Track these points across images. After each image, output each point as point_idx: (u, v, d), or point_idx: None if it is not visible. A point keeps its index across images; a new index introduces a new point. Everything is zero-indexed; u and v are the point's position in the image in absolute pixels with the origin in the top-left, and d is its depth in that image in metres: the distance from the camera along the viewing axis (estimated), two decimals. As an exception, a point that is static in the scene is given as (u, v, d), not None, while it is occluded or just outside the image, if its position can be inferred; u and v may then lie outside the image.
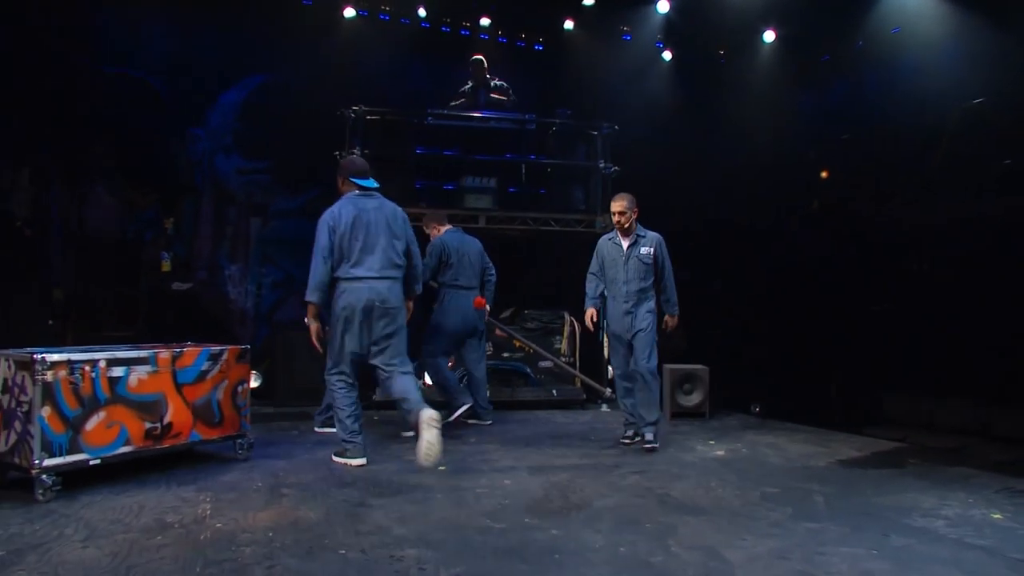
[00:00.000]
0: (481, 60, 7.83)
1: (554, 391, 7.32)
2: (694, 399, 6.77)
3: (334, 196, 7.90)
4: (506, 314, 7.60)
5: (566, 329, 7.57)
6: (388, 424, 6.27)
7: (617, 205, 5.42)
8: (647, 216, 8.22)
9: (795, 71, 8.04)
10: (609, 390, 7.33)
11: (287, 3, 8.02)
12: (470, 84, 7.95)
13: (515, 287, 8.02)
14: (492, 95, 7.82)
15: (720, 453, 5.34)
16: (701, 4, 7.80)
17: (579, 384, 7.48)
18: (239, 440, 4.89)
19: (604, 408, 7.30)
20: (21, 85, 6.89)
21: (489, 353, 7.45)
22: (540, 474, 4.64)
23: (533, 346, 7.32)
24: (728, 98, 8.27)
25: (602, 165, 7.42)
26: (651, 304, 5.45)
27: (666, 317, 5.62)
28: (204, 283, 7.88)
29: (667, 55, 8.76)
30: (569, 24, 8.31)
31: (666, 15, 8.06)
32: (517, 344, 7.42)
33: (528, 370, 7.44)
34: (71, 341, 7.46)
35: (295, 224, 8.16)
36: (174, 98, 7.78)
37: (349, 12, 7.95)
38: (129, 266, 7.78)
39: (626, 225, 5.40)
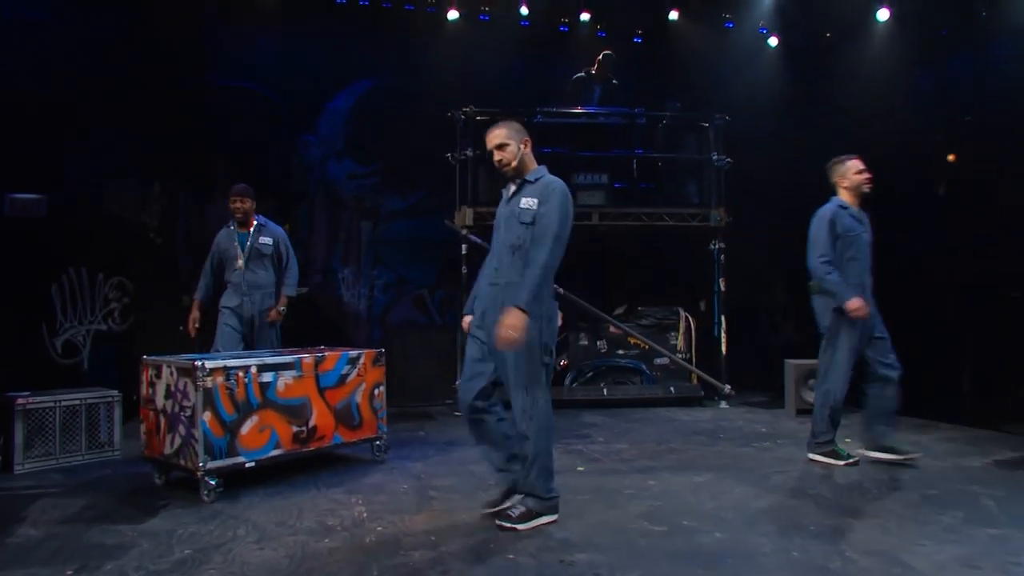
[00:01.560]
0: (611, 56, 7.70)
1: (672, 388, 7.20)
2: (821, 395, 6.52)
3: (442, 196, 8.09)
4: (619, 311, 7.52)
5: (681, 325, 7.44)
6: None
7: (493, 135, 3.71)
8: (761, 205, 8.08)
9: (915, 48, 7.65)
10: (728, 387, 7.19)
11: (391, 9, 8.11)
12: (585, 74, 7.81)
13: (628, 283, 7.96)
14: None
15: (861, 451, 5.13)
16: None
17: (696, 381, 7.34)
18: (376, 442, 4.98)
19: (724, 405, 7.14)
20: (149, 101, 7.18)
21: (603, 351, 7.42)
22: (682, 474, 4.56)
23: (649, 342, 7.22)
24: (841, 82, 7.93)
25: (715, 157, 7.25)
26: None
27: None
28: (319, 287, 8.06)
29: (773, 41, 8.48)
30: (674, 15, 8.12)
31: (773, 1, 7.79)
32: (632, 341, 7.33)
33: (644, 367, 7.34)
34: (197, 347, 7.79)
35: (405, 225, 8.29)
36: (286, 107, 7.98)
37: (453, 15, 7.97)
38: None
39: (511, 163, 3.65)
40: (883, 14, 7.75)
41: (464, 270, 6.98)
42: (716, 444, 5.48)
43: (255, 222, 5.80)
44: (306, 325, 7.52)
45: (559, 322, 3.70)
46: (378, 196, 8.27)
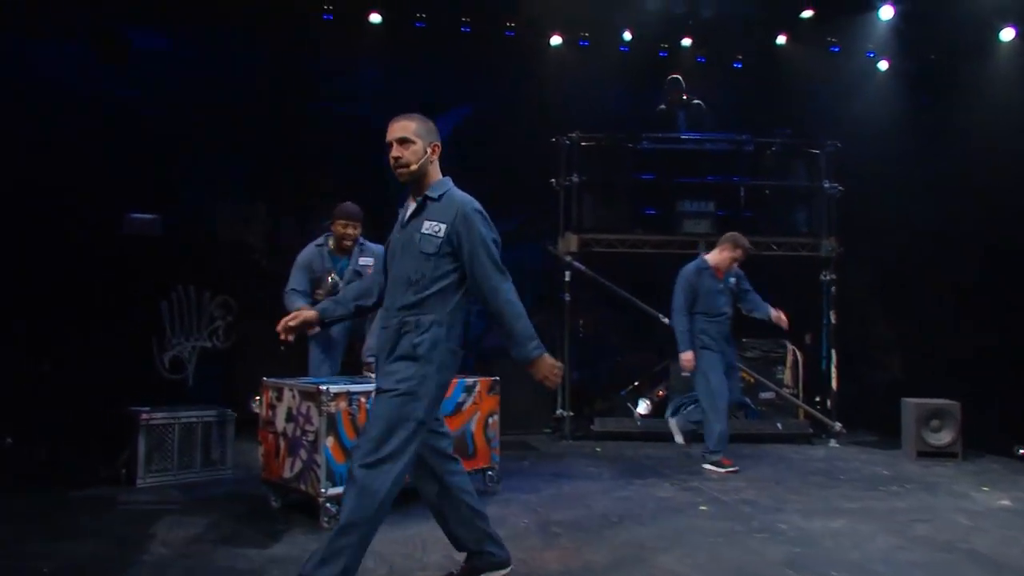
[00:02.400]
0: (678, 79, 7.61)
1: (778, 424, 6.92)
2: (943, 438, 6.16)
3: (539, 223, 8.04)
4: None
5: (789, 359, 7.17)
6: (618, 460, 6.12)
7: (397, 126, 3.02)
8: (866, 235, 7.78)
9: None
10: (839, 424, 6.88)
11: (491, 35, 8.14)
12: (664, 106, 7.74)
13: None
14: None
15: (1006, 503, 4.78)
16: (929, 8, 7.23)
17: (803, 417, 7.05)
18: (489, 472, 4.88)
19: (834, 444, 6.82)
20: (256, 125, 7.37)
21: (705, 383, 7.19)
22: (813, 518, 4.32)
23: (755, 375, 6.97)
24: (960, 105, 7.59)
25: (827, 185, 7.00)
26: (420, 341, 2.89)
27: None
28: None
29: (883, 65, 8.19)
30: (782, 39, 7.93)
31: (887, 22, 7.52)
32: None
33: (749, 401, 7.09)
34: (294, 369, 7.88)
35: (502, 252, 8.22)
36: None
37: (556, 40, 7.97)
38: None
39: (411, 167, 2.97)
40: (1007, 33, 7.41)
41: (567, 297, 6.89)
42: (838, 486, 5.20)
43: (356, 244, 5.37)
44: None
45: (452, 376, 3.13)
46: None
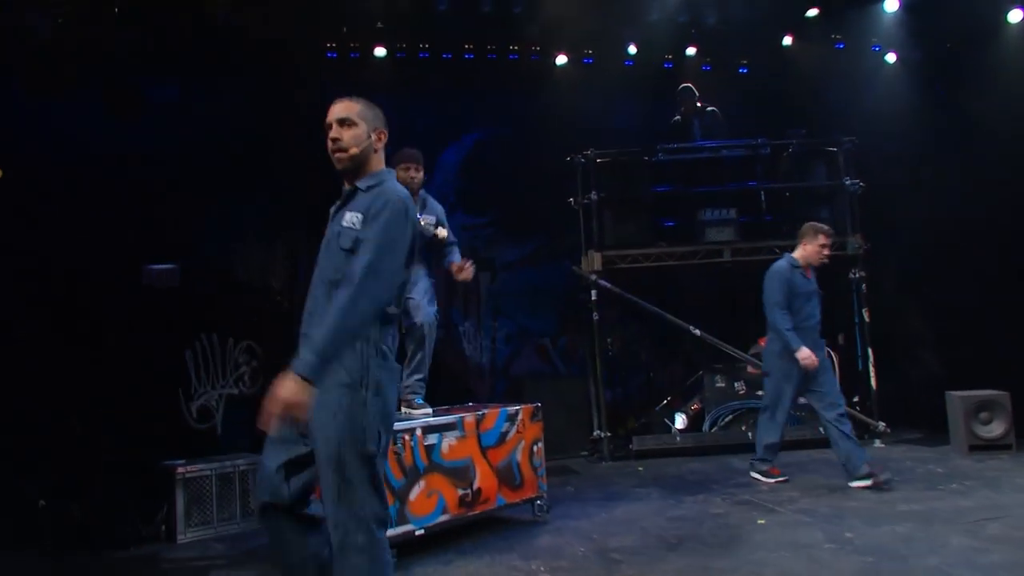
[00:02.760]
0: (690, 88, 7.57)
1: (820, 428, 6.74)
2: (995, 429, 6.01)
3: (557, 243, 7.99)
4: (755, 350, 7.14)
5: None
6: (662, 478, 6.00)
7: (339, 107, 2.76)
8: (893, 228, 7.67)
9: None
10: (882, 424, 6.73)
11: (495, 61, 8.13)
12: (679, 116, 7.70)
13: (760, 321, 7.60)
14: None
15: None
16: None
17: (845, 419, 6.89)
18: (537, 501, 4.77)
19: (879, 444, 6.68)
20: (267, 167, 7.34)
21: (741, 392, 7.09)
22: (877, 524, 4.18)
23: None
24: (973, 91, 7.52)
25: (848, 182, 6.91)
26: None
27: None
28: (441, 341, 7.97)
29: (890, 57, 8.13)
30: (788, 40, 7.88)
31: (892, 14, 7.47)
32: (772, 380, 6.95)
33: (787, 408, 6.93)
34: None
35: (523, 274, 8.17)
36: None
37: (561, 59, 7.95)
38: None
39: (350, 151, 2.69)
40: (1015, 15, 7.34)
41: (595, 317, 6.79)
42: (896, 488, 5.04)
43: (419, 196, 4.81)
44: (430, 382, 7.46)
45: (395, 399, 2.67)
46: (493, 247, 8.18)
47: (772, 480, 5.44)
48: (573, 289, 7.80)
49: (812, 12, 7.37)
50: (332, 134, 2.69)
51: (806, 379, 5.39)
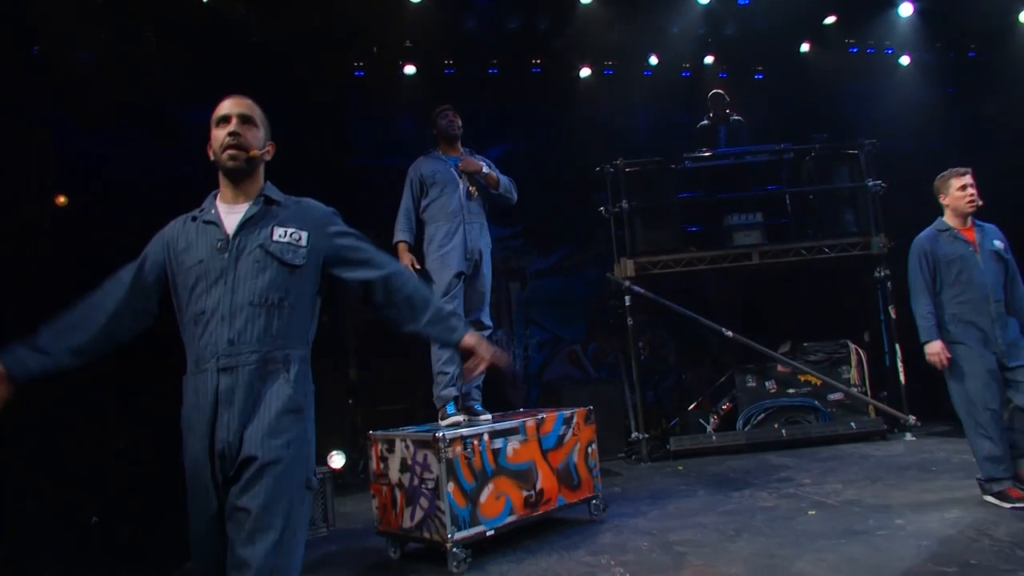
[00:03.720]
0: (722, 94, 7.79)
1: (852, 423, 6.96)
2: (1024, 418, 6.20)
3: (585, 252, 8.21)
4: (784, 348, 7.36)
5: (853, 358, 7.22)
6: (704, 475, 6.17)
7: (238, 103, 2.52)
8: (912, 227, 7.83)
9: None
10: (912, 417, 6.92)
11: (520, 76, 8.36)
12: (707, 120, 7.90)
13: (788, 320, 7.80)
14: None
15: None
16: (946, 2, 7.43)
17: (874, 414, 7.09)
18: (593, 501, 4.95)
19: (910, 437, 6.86)
20: (297, 185, 7.53)
21: (772, 391, 7.27)
22: (925, 511, 4.36)
23: (823, 378, 7.04)
24: (988, 90, 7.76)
25: (870, 183, 7.12)
26: (296, 384, 2.34)
27: None
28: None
29: (904, 60, 8.37)
30: (805, 47, 8.12)
31: (906, 19, 7.71)
32: (803, 378, 7.16)
33: (818, 404, 7.14)
34: (360, 418, 8.00)
35: (552, 283, 8.39)
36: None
37: (585, 72, 8.19)
38: (404, 341, 8.23)
39: (250, 152, 2.49)
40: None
41: (630, 322, 6.98)
42: (936, 478, 5.23)
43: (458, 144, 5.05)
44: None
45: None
46: (523, 257, 8.41)
47: (1008, 505, 4.25)
48: (601, 296, 8.02)
49: (830, 19, 7.60)
50: (232, 127, 2.42)
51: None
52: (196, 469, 2.26)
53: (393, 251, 4.83)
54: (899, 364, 7.08)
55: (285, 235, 2.38)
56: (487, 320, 5.05)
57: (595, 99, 8.38)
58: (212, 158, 2.49)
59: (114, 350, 2.46)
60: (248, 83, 7.30)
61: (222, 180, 2.49)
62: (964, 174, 4.55)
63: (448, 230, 4.83)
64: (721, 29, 7.83)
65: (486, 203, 5.07)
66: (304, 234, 2.41)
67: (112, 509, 5.72)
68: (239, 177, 2.45)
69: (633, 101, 8.55)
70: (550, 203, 8.05)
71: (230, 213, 2.42)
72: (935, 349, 4.44)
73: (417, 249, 4.93)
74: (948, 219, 4.61)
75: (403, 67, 7.89)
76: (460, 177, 4.93)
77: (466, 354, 2.59)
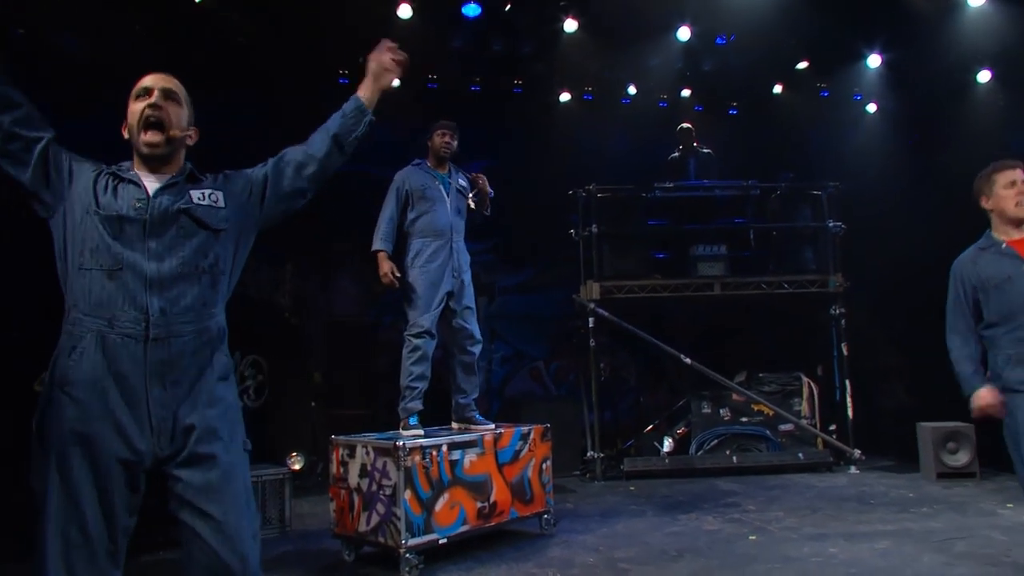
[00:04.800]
0: (690, 128, 8.04)
1: (800, 454, 7.20)
2: (961, 459, 6.49)
3: (553, 272, 8.40)
4: (740, 378, 7.60)
5: (805, 391, 7.48)
6: (655, 497, 6.36)
7: (161, 78, 2.40)
8: (865, 268, 8.16)
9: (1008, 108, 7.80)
10: (858, 451, 7.18)
11: (500, 96, 8.53)
12: (678, 153, 8.15)
13: (745, 351, 8.04)
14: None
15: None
16: (912, 55, 7.76)
17: (822, 446, 7.35)
18: (544, 516, 5.11)
19: (853, 470, 7.11)
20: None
21: (727, 418, 7.49)
22: (857, 541, 4.60)
23: (776, 408, 7.28)
24: (944, 143, 8.11)
25: (831, 224, 7.41)
26: (227, 358, 2.35)
27: None
28: (439, 361, 8.30)
29: (871, 107, 8.71)
30: (778, 88, 8.43)
31: (874, 69, 8.03)
32: (756, 407, 7.39)
33: (769, 433, 7.38)
34: (324, 422, 8.07)
35: (519, 299, 8.56)
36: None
37: (565, 96, 8.40)
38: (369, 348, 8.35)
39: (172, 131, 2.36)
40: (984, 75, 7.94)
41: (592, 343, 7.17)
42: (872, 510, 5.48)
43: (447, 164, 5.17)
44: (427, 399, 7.80)
45: None
46: (493, 272, 8.57)
47: None
48: (567, 315, 8.20)
49: (802, 64, 7.91)
50: (155, 100, 2.28)
51: None
52: (99, 440, 2.07)
53: (372, 259, 4.94)
54: (848, 399, 7.35)
55: (204, 198, 2.29)
56: (477, 334, 5.20)
57: (573, 124, 8.58)
58: (127, 136, 2.33)
59: None
60: (231, 82, 7.48)
61: (137, 161, 2.32)
62: (1014, 167, 3.37)
63: (436, 247, 4.92)
64: (699, 65, 8.08)
65: (466, 221, 5.20)
66: (220, 194, 2.34)
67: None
68: (158, 162, 2.30)
69: (609, 128, 8.77)
70: (523, 222, 8.21)
71: (148, 180, 2.28)
72: (984, 401, 3.23)
73: (396, 260, 4.99)
74: (995, 231, 3.41)
75: (387, 79, 8.01)
76: (449, 195, 5.04)
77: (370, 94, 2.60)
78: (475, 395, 5.22)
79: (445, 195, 5.04)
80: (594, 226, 7.23)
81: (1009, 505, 5.46)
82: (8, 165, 2.17)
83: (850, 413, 7.33)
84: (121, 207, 2.19)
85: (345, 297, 8.38)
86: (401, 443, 4.25)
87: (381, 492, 4.33)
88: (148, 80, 2.33)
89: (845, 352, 7.40)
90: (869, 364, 8.51)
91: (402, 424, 4.83)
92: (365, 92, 2.57)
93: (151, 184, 2.27)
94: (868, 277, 7.89)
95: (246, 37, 7.11)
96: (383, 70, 2.56)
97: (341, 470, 4.64)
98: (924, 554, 4.29)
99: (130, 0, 6.54)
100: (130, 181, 2.26)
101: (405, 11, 6.58)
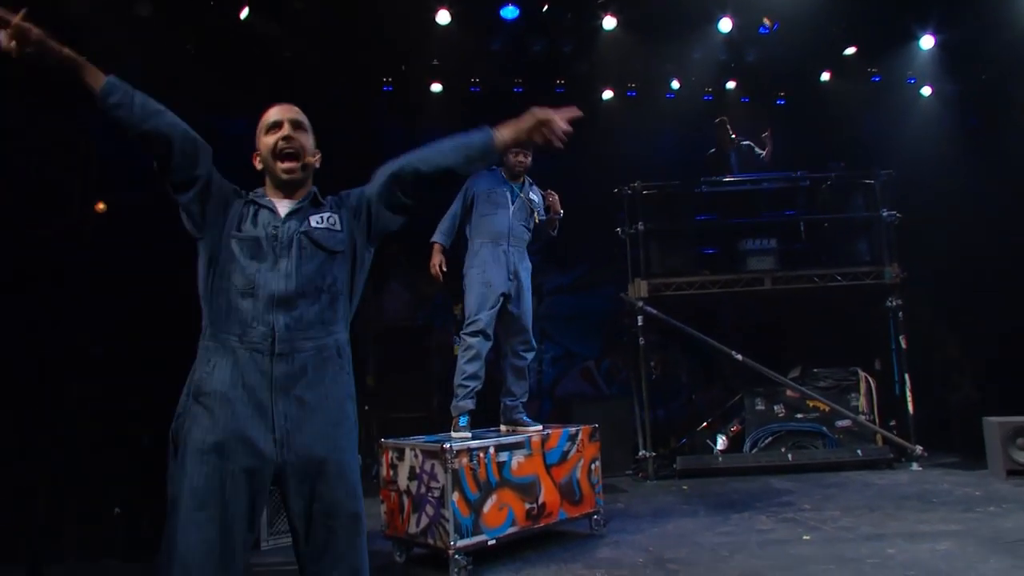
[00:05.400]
0: (724, 121, 7.86)
1: (858, 451, 7.02)
2: (1033, 454, 6.25)
3: (601, 271, 8.35)
4: (795, 373, 7.44)
5: (862, 386, 7.29)
6: (707, 496, 6.29)
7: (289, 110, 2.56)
8: (927, 258, 7.88)
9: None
10: (919, 447, 6.97)
11: (543, 96, 8.52)
12: (714, 150, 7.98)
13: (799, 346, 7.88)
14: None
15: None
16: (968, 34, 7.50)
17: (882, 442, 7.15)
18: (594, 516, 5.10)
19: (916, 467, 6.90)
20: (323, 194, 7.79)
21: (781, 415, 7.35)
22: (917, 542, 4.45)
23: (832, 404, 7.12)
24: (1007, 125, 7.81)
25: (885, 213, 7.20)
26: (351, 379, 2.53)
27: None
28: (491, 363, 8.34)
29: (926, 91, 8.44)
30: (826, 76, 8.24)
31: (928, 51, 7.78)
32: (811, 404, 7.24)
33: (825, 430, 7.21)
34: (378, 425, 8.19)
35: (568, 299, 8.55)
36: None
37: (607, 94, 8.36)
38: (421, 351, 8.44)
39: (307, 159, 2.55)
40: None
41: (641, 341, 7.12)
42: (934, 509, 5.31)
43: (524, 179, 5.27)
44: (480, 403, 7.84)
45: None
46: (541, 274, 8.51)
47: None
48: (616, 314, 8.16)
49: (850, 50, 7.71)
50: (287, 132, 2.46)
51: None
52: (227, 449, 2.22)
53: (423, 264, 5.09)
54: (908, 394, 7.13)
55: (323, 221, 2.44)
56: (532, 340, 5.27)
57: (617, 121, 8.53)
58: (259, 167, 2.52)
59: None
60: (280, 96, 7.66)
61: (271, 189, 2.50)
62: None
63: (492, 249, 5.01)
64: (743, 56, 7.95)
65: (529, 233, 5.27)
66: (337, 217, 2.47)
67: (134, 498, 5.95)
68: (293, 188, 2.48)
69: (654, 124, 8.69)
70: (570, 222, 8.15)
71: (280, 204, 2.47)
72: None
73: (453, 258, 5.10)
74: None
75: (430, 84, 8.10)
76: (513, 203, 5.11)
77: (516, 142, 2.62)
78: (524, 398, 5.24)
79: (510, 202, 5.11)
80: (640, 224, 7.18)
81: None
82: (171, 189, 2.39)
83: (911, 408, 7.11)
84: (259, 232, 2.39)
85: (396, 301, 8.50)
86: (448, 445, 4.29)
87: (430, 494, 4.38)
88: (275, 113, 2.50)
89: (904, 345, 7.18)
90: (931, 357, 8.25)
91: (453, 423, 4.88)
92: (507, 133, 2.58)
93: (283, 208, 2.45)
94: (926, 268, 7.65)
95: (289, 51, 7.29)
96: (541, 131, 2.54)
97: (391, 472, 4.71)
98: (991, 557, 4.12)
99: (178, 20, 6.72)
100: (266, 207, 2.44)
101: (444, 17, 6.63)
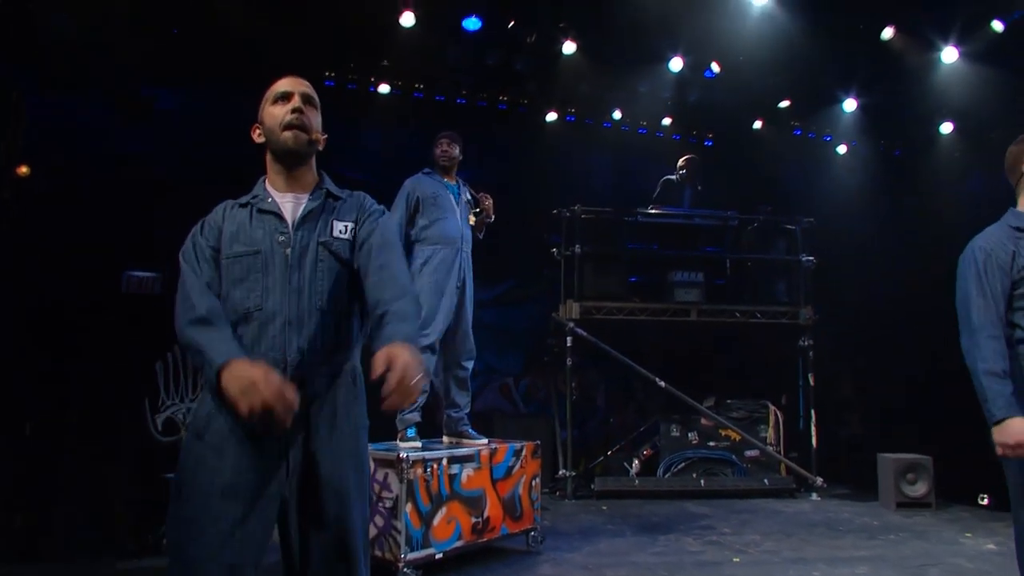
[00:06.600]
0: (698, 161, 8.01)
1: (765, 480, 7.40)
2: (919, 489, 6.77)
3: (529, 288, 8.43)
4: (709, 403, 7.75)
5: (771, 418, 7.69)
6: (629, 517, 6.44)
7: (299, 83, 2.37)
8: (842, 303, 8.37)
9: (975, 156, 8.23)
10: (820, 479, 7.41)
11: (487, 110, 8.58)
12: (677, 178, 8.08)
13: (718, 376, 8.21)
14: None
15: (992, 547, 5.34)
16: (885, 102, 8.13)
17: (785, 472, 7.56)
18: (532, 533, 5.13)
19: (815, 497, 7.34)
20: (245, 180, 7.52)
21: (695, 442, 7.64)
22: (838, 566, 4.75)
23: (744, 434, 7.46)
24: (910, 187, 8.52)
25: (803, 258, 7.66)
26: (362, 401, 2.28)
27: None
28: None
29: (841, 149, 9.08)
30: (758, 124, 8.71)
31: (851, 113, 8.36)
32: (723, 433, 7.56)
33: (735, 458, 7.56)
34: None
35: (492, 313, 8.54)
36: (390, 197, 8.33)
37: (551, 116, 8.49)
38: (365, 359, 8.21)
39: (312, 137, 2.32)
40: (947, 127, 8.36)
41: (569, 362, 7.23)
42: (843, 536, 5.66)
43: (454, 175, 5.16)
44: (394, 412, 7.73)
45: None
46: (469, 283, 8.54)
47: None
48: (540, 333, 8.25)
49: (784, 103, 8.20)
50: (298, 105, 2.23)
51: None
52: (237, 491, 2.05)
53: None
54: (812, 428, 7.58)
55: (345, 231, 2.20)
56: (474, 349, 5.37)
57: (559, 143, 8.67)
58: (260, 140, 2.30)
59: None
60: (222, 73, 7.32)
61: (273, 166, 2.28)
62: None
63: (446, 255, 4.97)
64: (685, 96, 8.27)
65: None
66: (350, 225, 2.23)
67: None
68: (296, 162, 2.25)
69: (593, 150, 8.91)
70: (502, 236, 8.21)
71: (285, 202, 2.23)
72: (1014, 434, 2.46)
73: None
74: None
75: (377, 85, 7.98)
76: (458, 205, 5.10)
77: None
78: (467, 409, 5.23)
79: (455, 204, 5.09)
80: (577, 246, 7.31)
81: (968, 534, 5.71)
82: None
83: (814, 442, 7.56)
84: (258, 243, 2.16)
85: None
86: (404, 455, 4.22)
87: (381, 504, 4.29)
88: (286, 84, 2.30)
89: (812, 382, 7.64)
90: (833, 396, 8.82)
91: (399, 435, 4.79)
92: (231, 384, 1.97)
93: (288, 205, 2.23)
94: (835, 311, 8.19)
95: (243, 30, 6.97)
96: (402, 393, 1.85)
97: (336, 479, 4.56)
98: (903, 582, 4.46)
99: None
100: (269, 212, 2.22)
101: (408, 19, 6.55)
